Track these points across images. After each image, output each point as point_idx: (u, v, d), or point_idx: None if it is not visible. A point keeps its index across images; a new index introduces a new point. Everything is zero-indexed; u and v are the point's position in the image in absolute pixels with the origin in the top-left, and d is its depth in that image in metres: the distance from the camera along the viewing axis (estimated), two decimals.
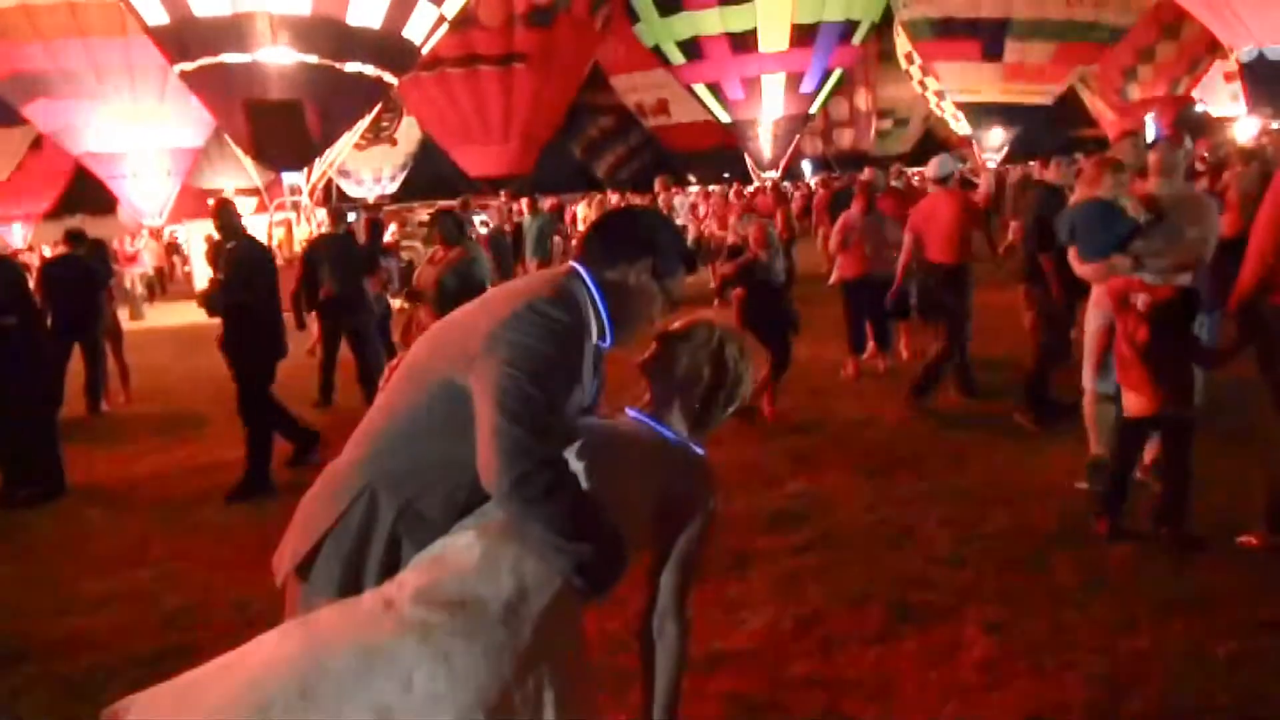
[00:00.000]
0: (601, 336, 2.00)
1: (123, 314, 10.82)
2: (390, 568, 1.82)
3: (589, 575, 1.76)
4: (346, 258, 8.45)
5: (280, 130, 17.45)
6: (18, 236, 29.70)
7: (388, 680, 1.59)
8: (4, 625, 4.22)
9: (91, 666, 3.69)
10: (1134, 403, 4.19)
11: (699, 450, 2.08)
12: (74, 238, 9.17)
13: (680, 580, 1.97)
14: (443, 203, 24.65)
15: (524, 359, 1.78)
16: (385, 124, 31.49)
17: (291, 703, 1.55)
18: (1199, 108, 31.63)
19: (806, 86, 25.46)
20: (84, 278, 8.85)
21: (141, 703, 1.66)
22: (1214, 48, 27.53)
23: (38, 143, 25.42)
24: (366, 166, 32.86)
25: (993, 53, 22.97)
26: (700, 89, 25.89)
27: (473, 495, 1.85)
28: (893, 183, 13.58)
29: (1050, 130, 31.26)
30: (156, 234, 25.47)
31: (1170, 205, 4.67)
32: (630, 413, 2.11)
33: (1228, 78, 29.33)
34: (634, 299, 2.01)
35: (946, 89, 25.90)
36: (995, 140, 25.27)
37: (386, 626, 1.64)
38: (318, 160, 19.60)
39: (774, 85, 25.07)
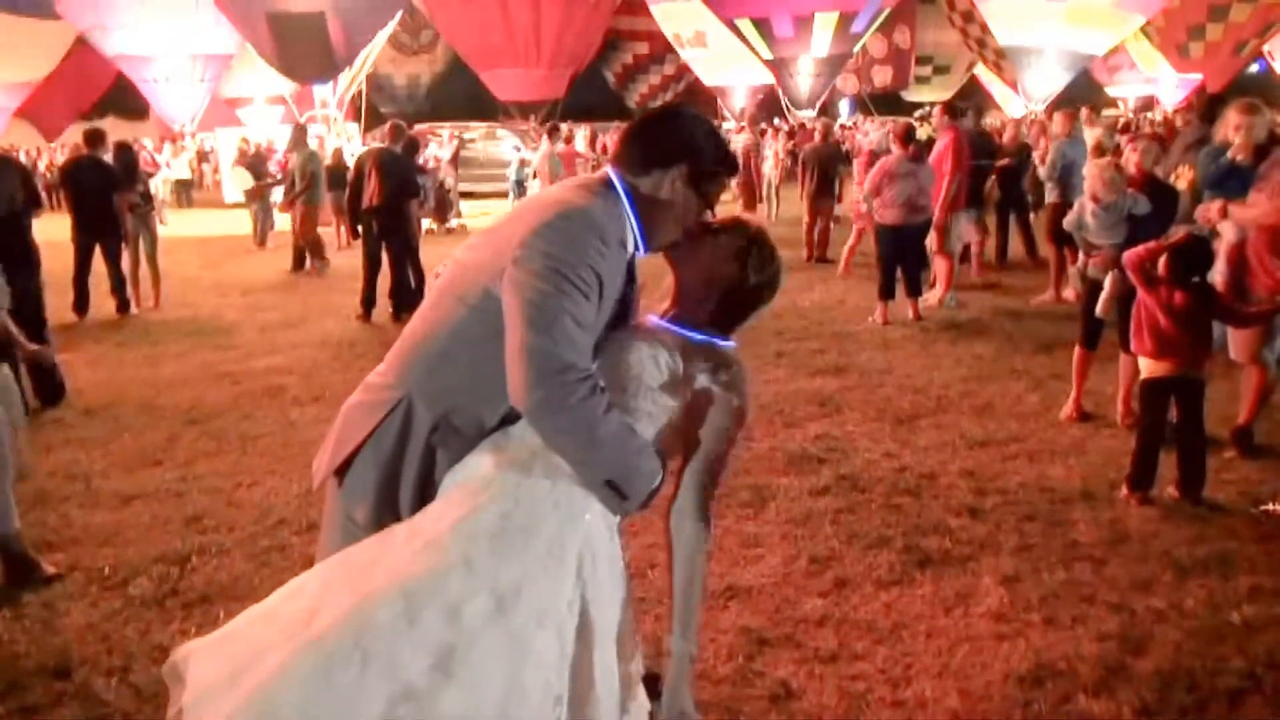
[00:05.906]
0: (636, 246, 1.92)
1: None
2: (425, 478, 1.83)
3: (621, 488, 1.74)
4: (399, 173, 8.44)
5: (304, 43, 17.26)
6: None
7: (438, 618, 1.60)
8: (34, 515, 4.32)
9: (118, 561, 3.78)
10: (1150, 367, 4.14)
11: (727, 343, 1.99)
12: (92, 138, 9.14)
13: (701, 479, 1.90)
14: (474, 123, 24.40)
15: (553, 271, 1.72)
16: (426, 40, 30.99)
17: (349, 656, 1.57)
18: (1256, 66, 30.49)
19: (857, 26, 24.66)
20: (104, 179, 8.84)
21: (198, 657, 1.68)
22: None
23: (82, 39, 25.07)
24: (401, 80, 32.41)
25: None
26: (744, 24, 25.12)
27: (507, 411, 1.83)
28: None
29: (1088, 83, 30.26)
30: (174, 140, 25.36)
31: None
32: (652, 320, 2.03)
33: None
34: (668, 208, 1.91)
35: (998, 29, 25.01)
36: (1044, 89, 24.40)
37: (429, 564, 1.65)
38: (345, 73, 19.37)
39: (825, 24, 24.31)
